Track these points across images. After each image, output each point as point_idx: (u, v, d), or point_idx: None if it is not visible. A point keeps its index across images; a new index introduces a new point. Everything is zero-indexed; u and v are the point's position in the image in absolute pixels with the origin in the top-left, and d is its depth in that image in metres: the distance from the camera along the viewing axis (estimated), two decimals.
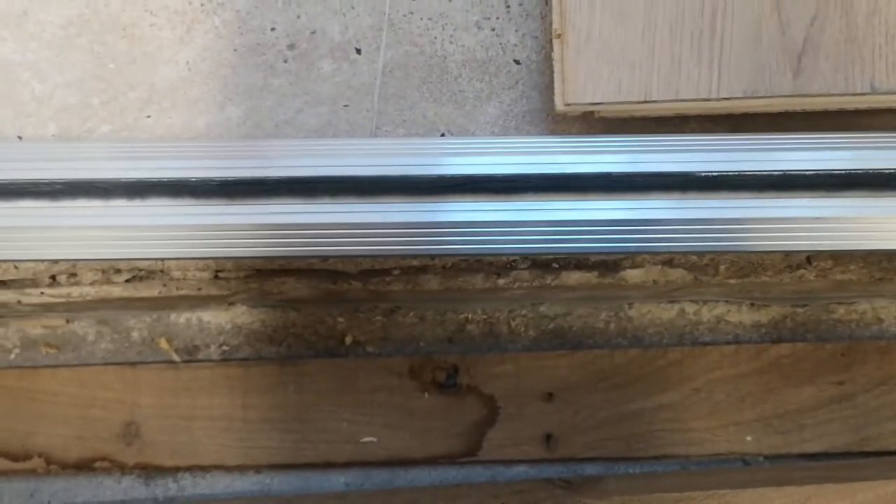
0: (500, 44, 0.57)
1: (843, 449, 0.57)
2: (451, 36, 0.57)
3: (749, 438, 0.57)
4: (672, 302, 0.60)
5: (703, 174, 0.48)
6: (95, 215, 0.47)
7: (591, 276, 0.55)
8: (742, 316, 0.60)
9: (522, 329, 0.61)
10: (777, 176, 0.48)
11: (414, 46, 0.57)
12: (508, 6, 0.57)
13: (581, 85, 0.50)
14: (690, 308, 0.60)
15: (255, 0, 0.58)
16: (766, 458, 0.57)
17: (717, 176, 0.48)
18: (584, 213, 0.48)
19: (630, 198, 0.48)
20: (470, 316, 0.61)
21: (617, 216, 0.48)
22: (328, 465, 0.60)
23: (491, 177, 0.49)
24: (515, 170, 0.49)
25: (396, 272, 0.55)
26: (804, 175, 0.48)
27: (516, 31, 0.57)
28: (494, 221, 0.48)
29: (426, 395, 0.60)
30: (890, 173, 0.48)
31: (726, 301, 0.60)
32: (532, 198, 0.49)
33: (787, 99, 0.50)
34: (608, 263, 0.55)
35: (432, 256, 0.54)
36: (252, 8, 0.58)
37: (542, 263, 0.55)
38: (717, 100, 0.50)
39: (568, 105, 0.51)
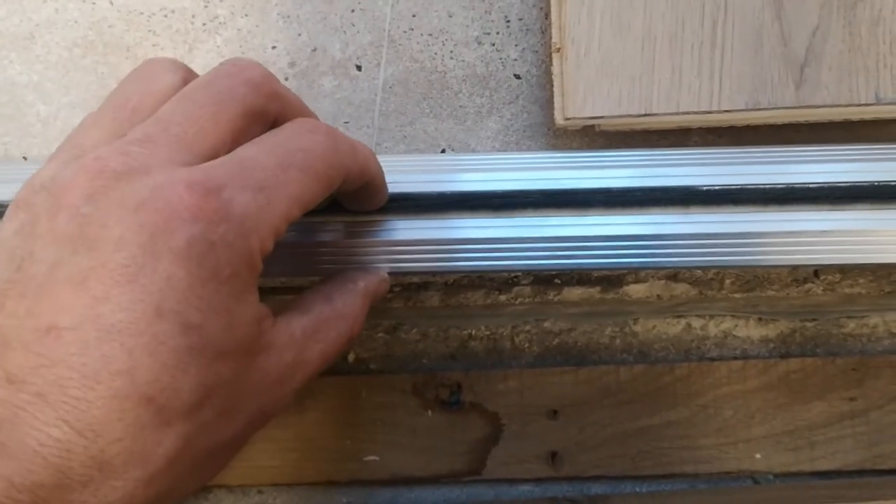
0: (501, 59, 0.57)
1: (855, 467, 0.55)
2: (452, 51, 0.57)
3: (758, 456, 0.56)
4: (678, 317, 0.59)
5: (705, 188, 0.47)
6: None
7: (593, 292, 0.54)
8: (750, 331, 0.59)
9: (526, 345, 0.60)
10: (781, 189, 0.47)
11: (414, 62, 0.57)
12: (508, 21, 0.57)
13: (580, 99, 0.50)
14: (697, 323, 0.59)
15: (257, 19, 0.58)
16: (777, 476, 0.56)
17: (720, 190, 0.47)
18: (585, 229, 0.47)
19: (631, 213, 0.47)
20: (473, 332, 0.61)
21: (617, 231, 0.47)
22: (330, 484, 0.60)
23: (490, 193, 0.49)
24: (514, 186, 0.49)
25: (397, 289, 0.55)
26: (809, 188, 0.47)
27: (516, 45, 0.57)
28: (493, 238, 0.47)
29: (429, 412, 0.59)
30: (894, 185, 0.47)
31: (733, 315, 0.59)
32: (531, 214, 0.48)
33: (791, 111, 0.49)
34: (611, 278, 0.54)
35: (434, 273, 0.54)
36: (253, 27, 0.58)
37: (544, 279, 0.54)
38: (719, 112, 0.49)
39: (568, 119, 0.50)
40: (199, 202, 0.30)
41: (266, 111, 0.36)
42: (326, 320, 0.38)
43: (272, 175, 0.33)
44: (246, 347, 0.32)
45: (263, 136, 0.35)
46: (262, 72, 0.36)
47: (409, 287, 0.55)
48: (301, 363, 0.36)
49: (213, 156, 0.33)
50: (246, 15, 0.58)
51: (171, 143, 0.32)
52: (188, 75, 0.38)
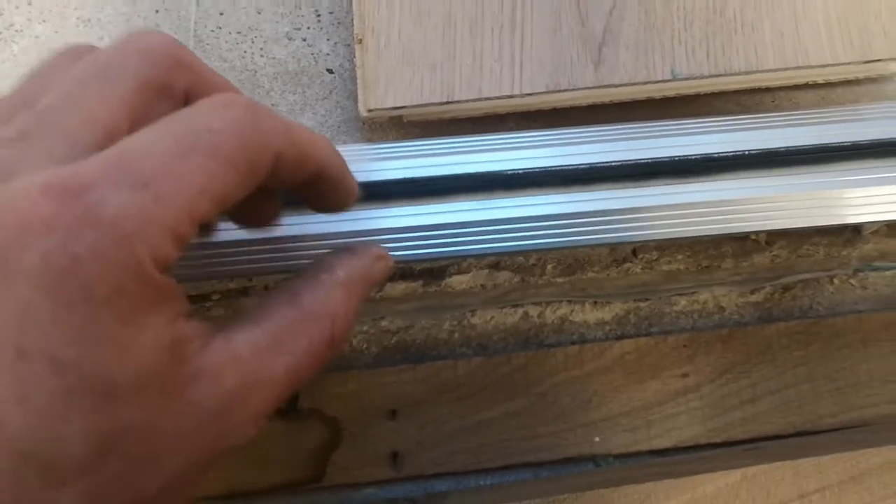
0: (312, 54, 0.55)
1: (691, 442, 0.56)
2: (262, 49, 0.55)
3: (597, 439, 0.56)
4: (515, 306, 0.58)
5: (508, 172, 0.47)
6: None
7: (416, 286, 0.53)
8: (586, 315, 0.58)
9: (364, 346, 0.59)
10: (583, 169, 0.47)
11: (223, 62, 0.55)
12: (319, 15, 0.56)
13: (382, 90, 0.49)
14: (534, 311, 0.58)
15: (55, 24, 0.55)
16: (616, 457, 0.56)
17: (523, 173, 0.47)
18: (390, 221, 0.46)
19: (435, 202, 0.47)
20: None
21: (422, 222, 0.46)
22: None
23: None
24: None
25: (216, 297, 0.53)
26: (610, 166, 0.47)
27: (328, 39, 0.55)
28: (291, 236, 0.46)
29: (266, 421, 0.57)
30: (694, 159, 0.47)
31: (569, 301, 0.58)
32: None
33: (591, 91, 0.49)
34: (433, 271, 0.53)
35: (250, 277, 0.52)
36: (52, 33, 0.55)
37: None
38: (521, 96, 0.49)
39: (371, 111, 0.49)
40: (55, 208, 0.24)
41: (170, 84, 0.30)
42: (291, 326, 0.31)
43: (163, 165, 0.26)
44: (157, 381, 0.26)
45: (164, 119, 0.28)
46: (163, 39, 0.30)
47: (227, 294, 0.52)
48: (255, 385, 0.29)
49: (108, 146, 0.27)
50: (44, 21, 0.55)
51: (50, 135, 0.27)
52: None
